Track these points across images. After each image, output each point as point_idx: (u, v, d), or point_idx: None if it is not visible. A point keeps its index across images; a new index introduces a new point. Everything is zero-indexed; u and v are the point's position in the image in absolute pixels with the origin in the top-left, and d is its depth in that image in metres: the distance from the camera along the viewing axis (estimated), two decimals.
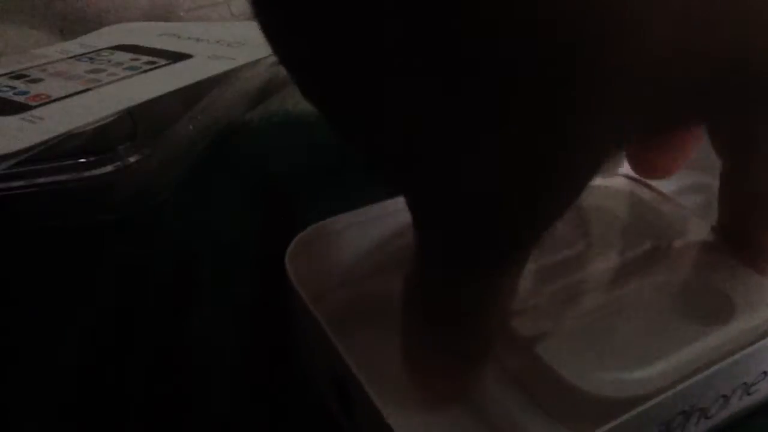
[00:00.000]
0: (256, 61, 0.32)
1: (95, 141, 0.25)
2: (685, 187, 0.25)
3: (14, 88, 0.29)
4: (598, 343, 0.17)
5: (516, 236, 0.12)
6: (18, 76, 0.31)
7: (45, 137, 0.25)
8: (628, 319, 0.18)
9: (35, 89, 0.29)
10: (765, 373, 0.17)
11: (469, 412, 0.17)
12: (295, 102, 0.34)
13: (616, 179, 0.24)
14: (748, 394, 0.17)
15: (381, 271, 0.21)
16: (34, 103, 0.28)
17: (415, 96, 0.10)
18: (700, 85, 0.11)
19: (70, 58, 0.33)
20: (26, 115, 0.27)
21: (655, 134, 0.16)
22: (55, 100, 0.28)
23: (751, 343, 0.16)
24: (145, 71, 0.31)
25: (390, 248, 0.21)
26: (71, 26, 0.39)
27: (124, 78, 0.30)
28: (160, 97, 0.29)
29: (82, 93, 0.29)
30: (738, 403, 0.17)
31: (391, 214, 0.21)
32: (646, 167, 0.21)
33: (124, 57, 0.33)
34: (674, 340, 0.17)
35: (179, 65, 0.32)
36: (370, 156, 0.12)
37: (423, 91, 0.10)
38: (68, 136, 0.25)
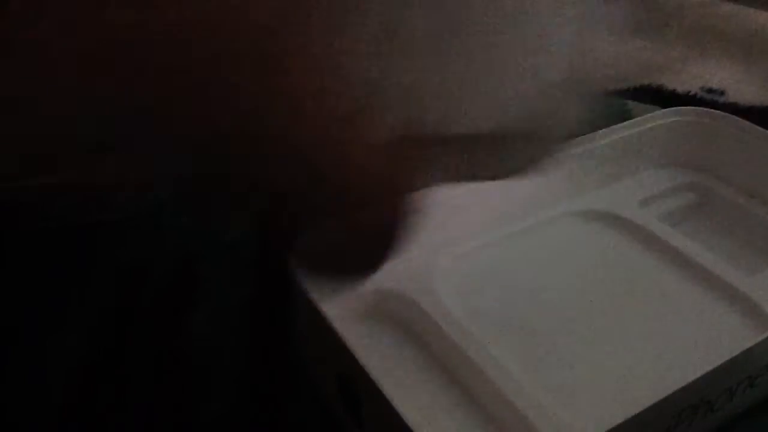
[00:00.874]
0: None
1: None
2: (678, 186, 0.25)
3: None
4: None
5: None
6: None
7: None
8: None
9: None
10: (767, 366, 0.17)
11: (479, 411, 0.17)
12: None
13: None
14: (752, 386, 0.17)
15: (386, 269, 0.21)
16: None
17: None
18: None
19: None
20: None
21: None
22: None
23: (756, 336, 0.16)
24: None
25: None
26: None
27: None
28: None
29: None
30: (742, 396, 0.17)
31: None
32: None
33: None
34: None
35: None
36: None
37: None
38: None
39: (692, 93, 0.34)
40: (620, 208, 0.23)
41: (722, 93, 0.34)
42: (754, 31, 0.40)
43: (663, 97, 0.34)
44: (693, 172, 0.26)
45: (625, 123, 0.25)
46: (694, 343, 0.17)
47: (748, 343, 0.16)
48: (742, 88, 0.35)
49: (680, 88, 0.35)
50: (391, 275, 0.20)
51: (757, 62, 0.37)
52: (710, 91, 0.34)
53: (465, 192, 0.19)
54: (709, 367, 0.15)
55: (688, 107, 0.26)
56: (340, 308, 0.18)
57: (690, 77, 0.35)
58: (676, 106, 0.31)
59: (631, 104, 0.31)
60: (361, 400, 0.17)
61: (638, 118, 0.26)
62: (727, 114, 0.25)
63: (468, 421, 0.17)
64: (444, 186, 0.17)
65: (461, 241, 0.22)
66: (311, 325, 0.18)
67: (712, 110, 0.26)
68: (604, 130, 0.25)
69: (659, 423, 0.15)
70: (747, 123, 0.24)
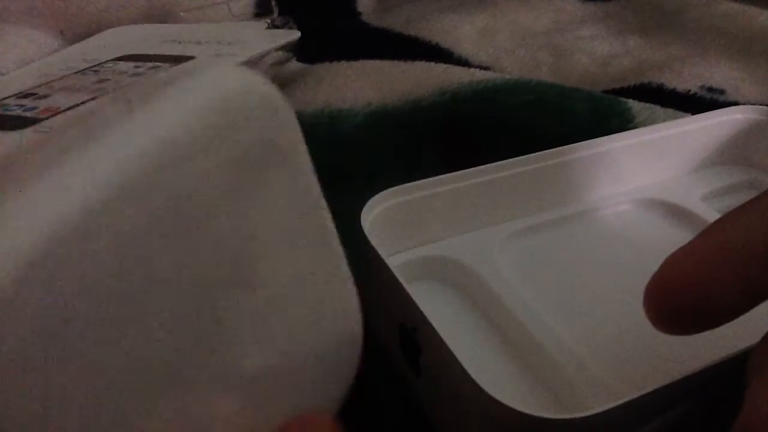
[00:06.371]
0: (258, 60, 0.33)
1: None
2: (738, 183, 0.26)
3: (23, 105, 0.30)
4: None
5: None
6: (26, 95, 0.31)
7: None
8: None
9: (44, 104, 0.30)
10: None
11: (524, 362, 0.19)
12: (295, 101, 0.34)
13: None
14: None
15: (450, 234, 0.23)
16: (44, 116, 0.28)
17: None
18: None
19: (76, 73, 0.34)
20: (38, 126, 0.27)
21: None
22: (64, 111, 0.28)
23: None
24: (150, 76, 0.32)
25: (462, 212, 0.23)
26: (71, 26, 0.39)
27: (129, 84, 0.31)
28: None
29: (90, 101, 0.29)
30: None
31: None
32: None
33: (128, 65, 0.34)
34: None
35: (182, 67, 0.32)
36: None
37: None
38: None
39: (692, 92, 0.34)
40: (683, 200, 0.25)
41: (722, 92, 0.34)
42: (754, 30, 0.40)
43: (663, 96, 0.34)
44: (753, 169, 0.26)
45: (686, 119, 0.27)
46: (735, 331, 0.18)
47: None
48: (742, 87, 0.35)
49: (680, 87, 0.35)
50: (452, 245, 0.22)
51: (757, 61, 0.37)
52: (710, 89, 0.35)
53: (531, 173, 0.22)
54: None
55: (749, 106, 0.27)
56: (405, 266, 0.21)
57: (690, 76, 0.36)
58: (675, 105, 0.31)
59: (631, 103, 0.31)
60: (420, 349, 0.18)
61: (700, 115, 0.27)
62: None
63: (513, 368, 0.19)
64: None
65: (522, 219, 0.24)
66: (376, 279, 0.19)
67: None
68: (666, 123, 0.26)
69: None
70: None
